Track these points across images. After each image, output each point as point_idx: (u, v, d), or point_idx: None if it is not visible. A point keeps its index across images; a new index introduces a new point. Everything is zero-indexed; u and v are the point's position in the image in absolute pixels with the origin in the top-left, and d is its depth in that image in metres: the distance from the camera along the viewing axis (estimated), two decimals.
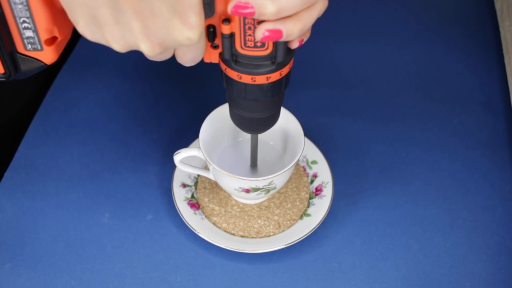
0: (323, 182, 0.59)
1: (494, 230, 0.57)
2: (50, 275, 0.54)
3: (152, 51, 0.37)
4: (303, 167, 0.61)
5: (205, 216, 0.57)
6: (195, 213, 0.57)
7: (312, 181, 0.60)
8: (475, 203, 0.59)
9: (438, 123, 0.67)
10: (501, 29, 0.73)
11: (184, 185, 0.59)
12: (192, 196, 0.58)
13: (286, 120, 0.56)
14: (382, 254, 0.56)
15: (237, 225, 0.57)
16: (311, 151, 0.61)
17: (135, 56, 0.72)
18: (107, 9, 0.35)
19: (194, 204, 0.58)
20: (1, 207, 0.58)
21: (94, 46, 0.73)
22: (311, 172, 0.60)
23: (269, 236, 0.56)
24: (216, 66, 0.44)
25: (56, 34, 0.40)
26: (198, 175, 0.60)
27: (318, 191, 0.59)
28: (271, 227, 0.57)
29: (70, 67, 0.71)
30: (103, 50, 0.73)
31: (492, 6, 0.79)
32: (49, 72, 0.73)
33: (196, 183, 0.60)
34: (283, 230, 0.56)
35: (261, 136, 0.59)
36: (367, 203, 0.59)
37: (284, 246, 0.54)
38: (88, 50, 0.73)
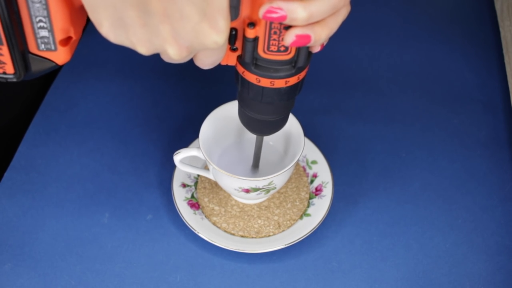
0: (323, 182, 0.59)
1: (494, 230, 0.57)
2: (50, 275, 0.54)
3: (179, 55, 0.36)
4: (303, 167, 0.61)
5: (205, 216, 0.57)
6: (195, 213, 0.57)
7: (312, 181, 0.60)
8: (474, 203, 0.59)
9: (438, 123, 0.67)
10: (501, 29, 0.72)
11: (184, 185, 0.59)
12: (192, 196, 0.58)
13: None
14: (382, 254, 0.56)
15: (237, 225, 0.57)
16: (311, 151, 0.61)
17: (135, 56, 0.72)
18: (135, 11, 0.34)
19: (194, 204, 0.58)
20: (1, 207, 0.58)
21: (94, 46, 0.73)
22: (311, 172, 0.60)
23: (269, 236, 0.56)
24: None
25: (72, 34, 0.38)
26: (198, 175, 0.60)
27: (318, 191, 0.59)
28: (271, 227, 0.57)
29: (70, 67, 0.71)
30: (103, 50, 0.73)
31: (492, 6, 0.79)
32: (49, 72, 0.73)
33: (196, 183, 0.60)
34: (283, 230, 0.56)
35: None
36: (367, 203, 0.59)
37: (284, 246, 0.54)
38: (88, 50, 0.73)
